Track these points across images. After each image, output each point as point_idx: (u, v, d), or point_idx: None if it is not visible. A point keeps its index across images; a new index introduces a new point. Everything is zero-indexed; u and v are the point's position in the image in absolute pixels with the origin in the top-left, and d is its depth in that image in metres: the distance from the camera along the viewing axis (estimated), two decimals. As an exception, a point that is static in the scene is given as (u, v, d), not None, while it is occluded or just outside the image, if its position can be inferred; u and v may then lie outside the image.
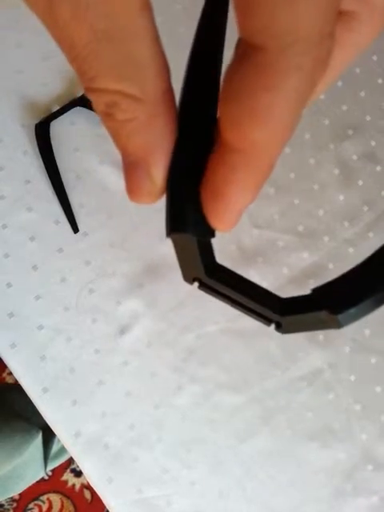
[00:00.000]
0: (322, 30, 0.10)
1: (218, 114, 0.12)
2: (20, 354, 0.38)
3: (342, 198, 0.43)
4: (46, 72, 0.41)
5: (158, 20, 0.11)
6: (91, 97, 0.12)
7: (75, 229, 0.40)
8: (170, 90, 0.13)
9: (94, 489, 0.37)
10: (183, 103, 0.13)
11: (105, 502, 0.37)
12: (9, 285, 0.39)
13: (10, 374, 1.09)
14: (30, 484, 0.72)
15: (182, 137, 0.13)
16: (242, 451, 0.39)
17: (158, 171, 0.13)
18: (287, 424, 0.39)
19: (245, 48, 0.10)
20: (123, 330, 0.40)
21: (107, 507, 0.37)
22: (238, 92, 0.11)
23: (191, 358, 0.40)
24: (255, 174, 0.12)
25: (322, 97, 0.44)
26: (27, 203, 0.40)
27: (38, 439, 0.66)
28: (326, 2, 0.09)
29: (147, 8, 0.11)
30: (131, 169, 0.13)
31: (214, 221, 0.13)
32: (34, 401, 0.38)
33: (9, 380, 1.09)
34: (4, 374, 1.10)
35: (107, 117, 0.12)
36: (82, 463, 0.37)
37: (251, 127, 0.11)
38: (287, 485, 0.39)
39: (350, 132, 0.44)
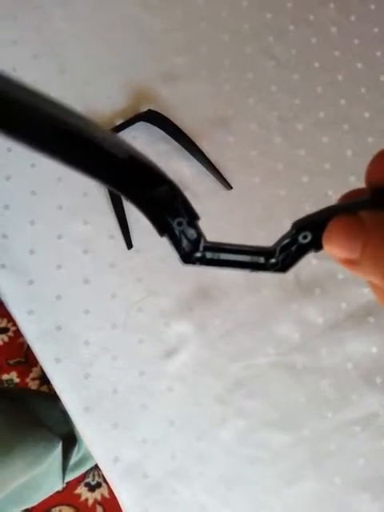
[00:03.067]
0: None
1: None
2: (64, 370, 0.37)
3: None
4: (112, 85, 0.41)
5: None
6: None
7: (129, 245, 0.39)
8: None
9: (129, 519, 0.35)
10: None
11: (139, 535, 0.35)
12: (59, 297, 0.38)
13: (34, 379, 1.08)
14: (47, 496, 0.70)
15: None
16: (287, 495, 0.36)
17: None
18: (337, 470, 0.37)
19: None
20: (170, 354, 0.38)
21: (141, 541, 0.35)
22: None
23: (238, 389, 0.38)
24: None
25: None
26: (83, 215, 0.39)
27: (58, 449, 0.65)
28: None
29: None
30: None
31: None
32: (73, 418, 0.36)
33: (32, 385, 1.09)
34: (27, 379, 1.10)
35: None
36: (118, 490, 0.36)
37: None
38: (333, 537, 0.36)
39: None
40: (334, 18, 0.42)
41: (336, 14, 0.42)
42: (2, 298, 0.38)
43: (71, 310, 0.38)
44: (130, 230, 0.39)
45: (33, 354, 0.37)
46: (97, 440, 0.36)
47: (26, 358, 1.07)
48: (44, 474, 0.65)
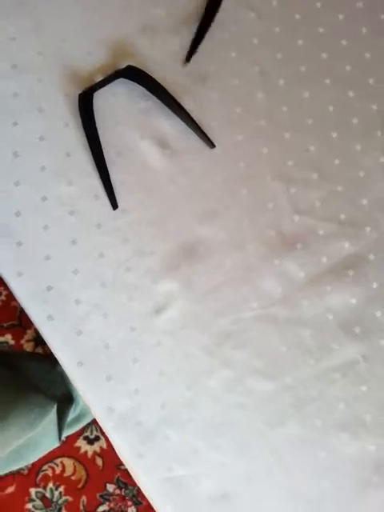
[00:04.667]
0: None
1: None
2: (57, 328, 0.38)
3: (388, 187, 0.42)
4: (90, 41, 0.40)
5: None
6: None
7: (114, 205, 0.39)
8: None
9: (125, 464, 0.38)
10: None
11: (135, 477, 0.38)
12: (47, 258, 0.39)
13: (28, 341, 1.11)
14: (44, 453, 0.73)
15: None
16: (272, 437, 0.39)
17: None
18: (318, 413, 0.39)
19: None
20: (159, 310, 0.39)
21: (137, 484, 0.38)
22: None
23: (225, 342, 0.40)
24: None
25: (370, 81, 0.42)
26: (67, 176, 0.39)
27: (52, 413, 0.67)
28: None
29: None
30: None
31: None
32: (68, 373, 0.38)
33: (27, 347, 1.11)
34: (22, 341, 1.12)
35: None
36: (113, 438, 0.38)
37: None
38: (314, 473, 0.39)
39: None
40: (318, -34, 0.41)
41: None
42: (-8, 261, 0.39)
43: (60, 270, 0.39)
44: (115, 191, 0.39)
45: (26, 316, 0.39)
46: (91, 392, 0.38)
47: (19, 321, 1.09)
48: (40, 435, 0.68)
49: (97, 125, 0.39)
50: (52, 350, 0.38)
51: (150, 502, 0.39)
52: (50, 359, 0.78)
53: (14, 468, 0.65)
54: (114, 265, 0.39)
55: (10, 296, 1.06)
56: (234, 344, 0.40)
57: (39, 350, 1.10)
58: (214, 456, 0.39)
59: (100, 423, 0.38)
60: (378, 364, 0.40)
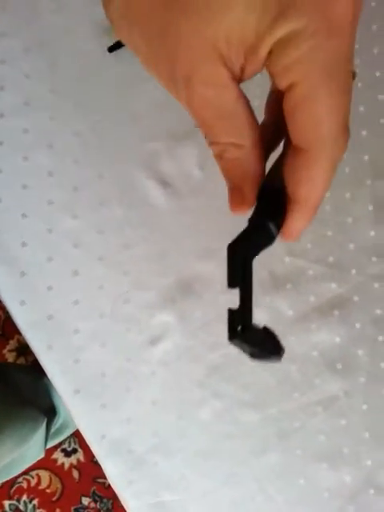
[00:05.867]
0: (334, 136, 0.18)
1: (285, 182, 0.20)
2: (55, 356, 0.40)
3: (372, 233, 0.45)
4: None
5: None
6: (212, 148, 0.20)
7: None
8: (260, 141, 0.20)
9: (115, 489, 0.40)
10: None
11: (124, 503, 0.39)
12: (49, 288, 0.40)
13: (11, 351, 1.10)
14: (30, 464, 0.74)
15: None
16: (256, 466, 0.41)
17: (250, 193, 0.21)
18: (300, 444, 0.42)
19: (295, 148, 0.19)
20: (154, 342, 0.41)
21: (125, 507, 0.39)
22: (295, 170, 0.19)
23: (216, 374, 0.42)
24: (308, 212, 0.21)
25: (363, 132, 0.45)
26: (73, 210, 0.41)
27: (43, 425, 0.68)
28: (333, 123, 0.18)
29: (242, 98, 0.19)
30: (233, 191, 0.21)
31: (287, 240, 0.22)
32: (64, 401, 0.39)
33: (9, 357, 1.11)
34: (4, 351, 1.12)
35: (220, 158, 0.20)
36: (105, 464, 0.40)
37: (305, 188, 0.20)
38: (294, 501, 0.42)
39: (388, 170, 0.46)
40: None
41: None
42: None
43: (61, 301, 0.40)
44: (119, 227, 0.41)
45: (9, 326, 0.40)
46: (86, 419, 0.40)
47: (2, 331, 1.09)
48: (28, 448, 0.69)
49: (96, 161, 0.41)
50: (50, 377, 0.40)
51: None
52: (34, 370, 0.79)
53: (1, 481, 0.66)
54: (113, 297, 0.41)
55: (-5, 306, 1.06)
56: (224, 376, 0.42)
57: (22, 359, 1.10)
58: (200, 483, 0.41)
59: (93, 450, 0.40)
60: (358, 400, 0.43)
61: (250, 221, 0.22)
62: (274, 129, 0.22)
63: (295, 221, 0.21)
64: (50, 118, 0.41)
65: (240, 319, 0.21)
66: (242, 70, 0.18)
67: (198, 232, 0.42)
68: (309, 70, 0.16)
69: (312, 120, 0.17)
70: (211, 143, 0.20)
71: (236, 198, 0.21)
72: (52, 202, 0.40)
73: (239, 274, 0.21)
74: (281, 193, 0.21)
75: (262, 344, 0.21)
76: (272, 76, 0.18)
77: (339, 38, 0.16)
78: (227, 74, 0.18)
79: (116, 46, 0.41)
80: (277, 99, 0.21)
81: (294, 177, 0.20)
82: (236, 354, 0.43)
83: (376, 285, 0.44)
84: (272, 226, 0.21)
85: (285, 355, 0.43)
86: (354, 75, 0.20)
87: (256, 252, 0.21)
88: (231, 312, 0.21)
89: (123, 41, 0.20)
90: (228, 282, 0.21)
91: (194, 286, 0.42)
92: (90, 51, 0.42)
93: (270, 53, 0.17)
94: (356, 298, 0.44)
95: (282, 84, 0.17)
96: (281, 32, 0.16)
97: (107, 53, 0.42)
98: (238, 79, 0.18)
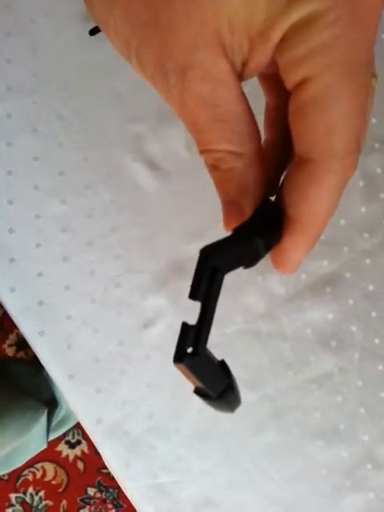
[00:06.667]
0: (348, 149, 0.15)
1: (284, 200, 0.17)
2: (48, 342, 0.40)
3: (363, 209, 0.45)
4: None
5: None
6: (204, 156, 0.17)
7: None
8: (260, 150, 0.17)
9: (112, 472, 0.40)
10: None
11: (121, 484, 0.40)
12: (39, 274, 0.40)
13: (10, 345, 1.11)
14: (32, 455, 0.75)
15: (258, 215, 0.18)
16: (252, 445, 0.41)
17: (249, 208, 0.18)
18: (296, 422, 0.42)
19: (299, 159, 0.16)
20: (147, 325, 0.41)
21: (123, 490, 0.40)
22: (296, 186, 0.17)
23: (210, 354, 0.42)
24: (308, 237, 0.18)
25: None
26: (60, 195, 0.41)
27: (44, 416, 0.69)
28: (348, 133, 0.15)
29: (243, 99, 0.16)
30: (230, 205, 0.18)
31: (280, 269, 0.20)
32: (59, 386, 0.39)
33: (9, 351, 1.11)
34: (4, 346, 1.12)
35: (214, 168, 0.17)
36: (101, 448, 0.40)
37: (309, 208, 0.17)
38: (292, 478, 0.42)
39: (377, 145, 0.46)
40: None
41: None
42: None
43: (52, 287, 0.40)
44: (106, 210, 0.41)
45: (8, 321, 0.40)
46: (81, 404, 0.40)
47: (1, 326, 1.09)
48: (30, 438, 0.69)
49: (90, 144, 0.41)
50: (43, 364, 0.40)
51: (135, 507, 0.41)
52: (34, 363, 0.79)
53: (3, 472, 0.66)
54: (104, 281, 0.41)
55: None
56: (219, 356, 0.42)
57: (21, 354, 1.10)
58: (197, 463, 0.41)
59: (89, 434, 0.40)
60: (352, 376, 0.43)
61: (235, 230, 0.18)
62: (283, 144, 0.19)
63: (293, 247, 0.18)
64: (33, 102, 0.40)
65: (192, 340, 0.17)
66: (244, 64, 0.15)
67: (187, 213, 0.42)
68: (328, 64, 0.13)
69: (324, 125, 0.14)
70: (204, 151, 0.17)
71: (232, 213, 0.18)
72: (38, 187, 0.40)
73: (204, 286, 0.17)
74: (280, 212, 0.18)
75: (212, 380, 0.18)
76: (280, 70, 0.15)
77: (365, 29, 0.14)
78: (228, 67, 0.15)
79: (97, 30, 0.41)
80: (277, 107, 0.19)
81: (295, 193, 0.17)
82: (230, 334, 0.43)
83: (368, 261, 0.44)
84: (260, 243, 0.18)
85: (279, 333, 0.43)
86: (375, 78, 0.17)
87: (231, 267, 0.18)
88: (185, 327, 0.17)
89: (99, 24, 0.17)
90: (190, 291, 0.18)
91: (185, 268, 0.42)
92: (72, 34, 0.41)
93: (282, 40, 0.14)
94: (348, 275, 0.44)
95: (292, 79, 0.14)
96: (298, 14, 0.13)
97: (89, 36, 0.41)
98: (238, 76, 0.16)
